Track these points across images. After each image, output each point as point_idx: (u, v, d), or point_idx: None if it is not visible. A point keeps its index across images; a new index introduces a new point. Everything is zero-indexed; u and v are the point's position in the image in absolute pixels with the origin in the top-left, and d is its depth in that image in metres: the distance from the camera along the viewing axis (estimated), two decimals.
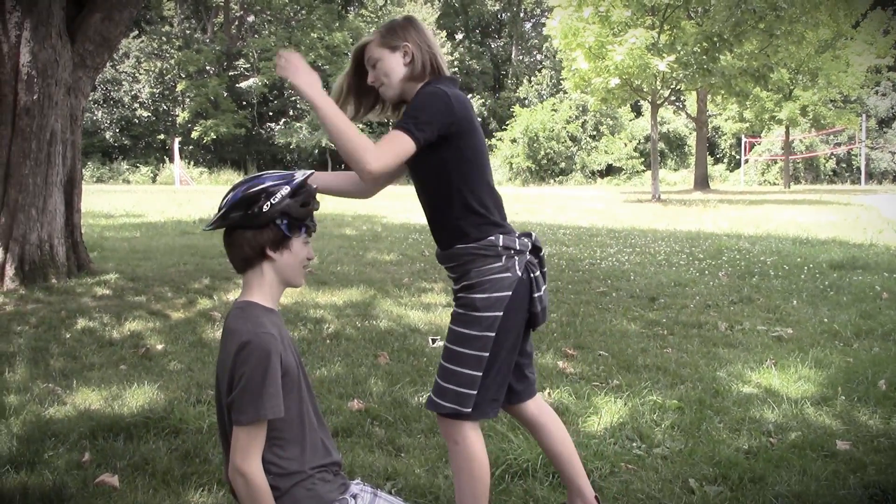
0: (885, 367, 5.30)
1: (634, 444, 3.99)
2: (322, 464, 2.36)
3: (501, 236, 2.73)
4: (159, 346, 5.80)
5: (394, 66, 2.76)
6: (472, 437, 2.73)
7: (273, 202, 2.25)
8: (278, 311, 2.40)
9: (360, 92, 2.91)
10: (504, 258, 2.70)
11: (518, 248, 2.74)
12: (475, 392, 2.67)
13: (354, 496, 2.38)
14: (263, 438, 2.21)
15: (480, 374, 2.67)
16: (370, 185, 2.89)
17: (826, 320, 6.90)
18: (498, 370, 2.71)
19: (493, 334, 2.66)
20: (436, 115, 2.59)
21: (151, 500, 3.28)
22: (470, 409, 2.67)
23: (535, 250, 2.83)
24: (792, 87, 36.26)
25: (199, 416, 4.21)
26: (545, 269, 2.86)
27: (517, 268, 2.71)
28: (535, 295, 2.76)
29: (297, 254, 2.34)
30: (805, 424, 4.28)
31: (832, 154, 48.75)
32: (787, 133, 40.48)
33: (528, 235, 2.84)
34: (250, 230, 2.27)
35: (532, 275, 2.76)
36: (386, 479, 3.53)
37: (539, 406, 3.02)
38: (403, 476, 3.55)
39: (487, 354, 2.67)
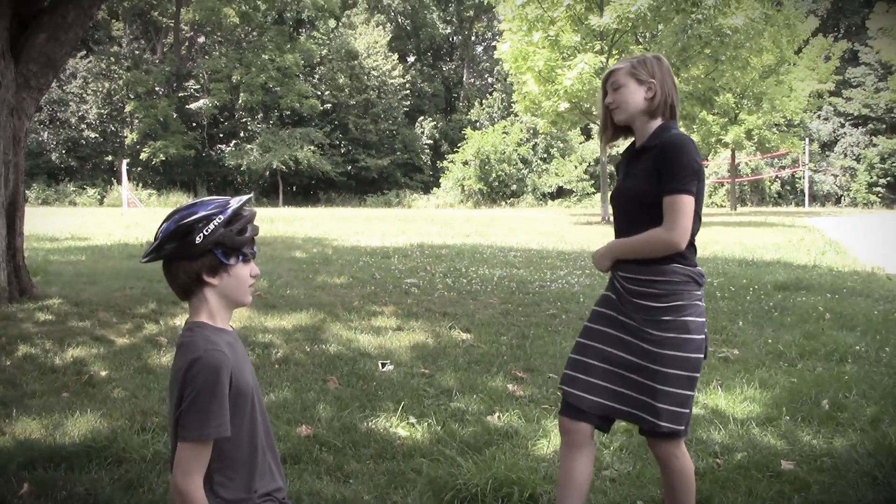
0: (828, 387, 5.40)
1: None
2: (268, 490, 2.33)
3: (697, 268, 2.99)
4: (103, 373, 5.69)
5: (635, 98, 2.98)
6: (686, 451, 3.02)
7: (206, 233, 2.22)
8: (232, 330, 2.37)
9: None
10: (701, 288, 2.97)
11: (701, 281, 2.99)
12: (687, 411, 2.91)
13: None
14: (207, 458, 2.17)
15: (692, 393, 2.91)
16: None
17: (771, 341, 7.01)
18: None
19: (701, 356, 2.91)
20: (694, 167, 2.83)
21: None
22: (683, 427, 2.91)
23: None
24: (737, 111, 36.99)
25: (143, 444, 4.12)
26: None
27: (702, 298, 2.98)
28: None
29: (238, 276, 2.31)
30: (751, 445, 4.33)
31: (777, 177, 49.78)
32: (733, 156, 41.23)
33: None
34: (186, 261, 2.25)
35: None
36: None
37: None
38: (352, 503, 3.52)
39: (698, 375, 2.92)
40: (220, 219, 2.24)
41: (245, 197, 2.36)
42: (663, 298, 2.89)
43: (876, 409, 4.90)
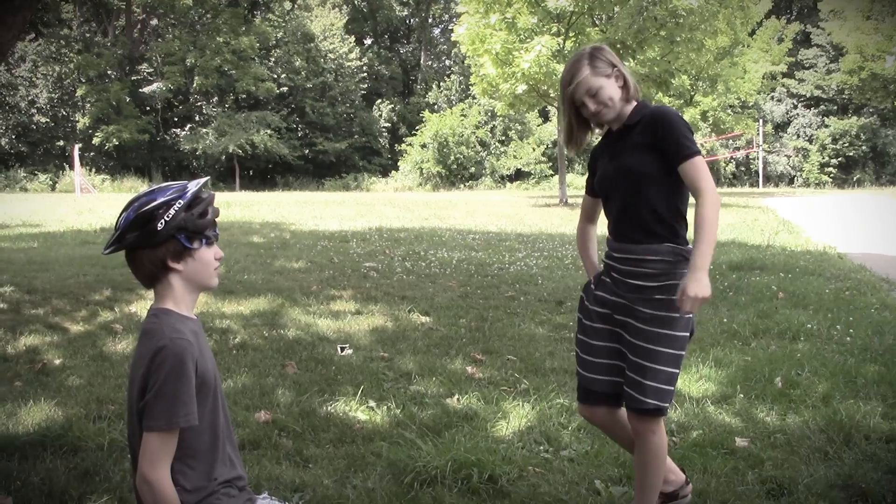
0: (781, 364, 5.50)
1: (542, 448, 4.04)
2: (228, 478, 2.32)
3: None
4: (57, 361, 5.61)
5: (614, 91, 2.99)
6: (663, 427, 3.08)
7: (168, 218, 2.19)
8: (196, 318, 2.35)
9: (581, 123, 3.14)
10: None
11: None
12: (672, 388, 2.97)
13: None
14: (174, 447, 2.15)
15: (678, 371, 2.97)
16: None
17: (726, 320, 7.11)
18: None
19: (689, 335, 2.98)
20: (690, 131, 2.91)
21: None
22: (667, 405, 2.98)
23: None
24: (693, 93, 37.34)
25: (99, 432, 4.08)
26: None
27: None
28: None
29: (202, 259, 2.29)
30: (706, 423, 4.40)
31: (731, 158, 50.35)
32: None
33: None
34: (149, 248, 2.22)
35: None
36: (294, 491, 3.50)
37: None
38: (312, 487, 3.52)
39: (684, 353, 2.99)
40: (180, 203, 2.22)
41: (202, 180, 2.34)
42: (656, 278, 2.94)
43: (827, 386, 5.00)
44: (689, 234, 2.96)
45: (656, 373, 2.91)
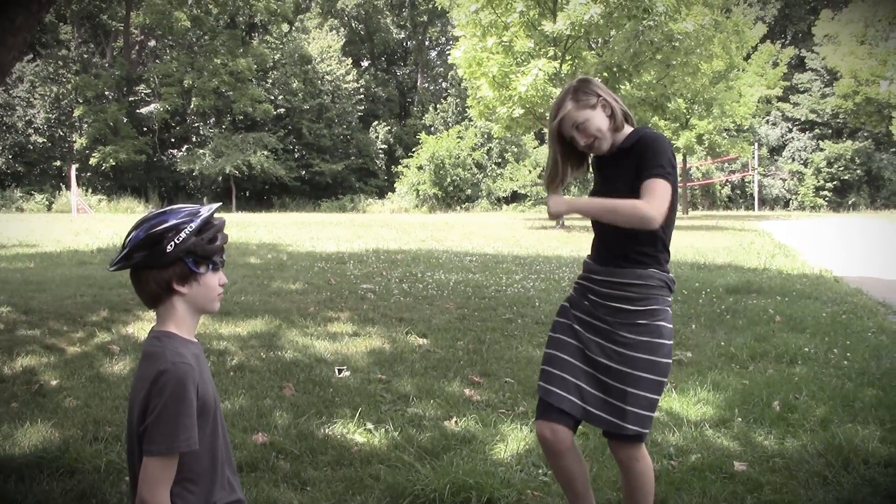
0: (779, 388, 5.50)
1: (540, 471, 4.03)
2: (227, 502, 2.31)
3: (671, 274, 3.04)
4: (54, 382, 5.59)
5: (601, 121, 2.99)
6: (646, 453, 3.08)
7: (177, 242, 2.19)
8: (197, 342, 2.35)
9: (569, 156, 3.15)
10: (670, 296, 3.03)
11: (673, 288, 3.06)
12: (653, 415, 2.98)
13: None
14: (174, 471, 2.14)
15: (659, 398, 2.97)
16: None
17: (723, 344, 7.12)
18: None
19: (671, 361, 2.99)
20: (671, 158, 2.90)
21: None
22: (648, 431, 2.99)
23: None
24: (688, 117, 37.51)
25: (96, 454, 4.07)
26: None
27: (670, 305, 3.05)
28: None
29: (207, 284, 2.29)
30: (704, 446, 4.40)
31: (727, 181, 50.57)
32: (685, 160, 41.80)
33: None
34: (156, 269, 2.22)
35: None
36: None
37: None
38: None
39: (666, 379, 2.98)
40: (191, 227, 2.22)
41: (215, 205, 2.34)
42: (638, 302, 2.94)
43: (825, 410, 5.00)
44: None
45: (638, 398, 2.90)
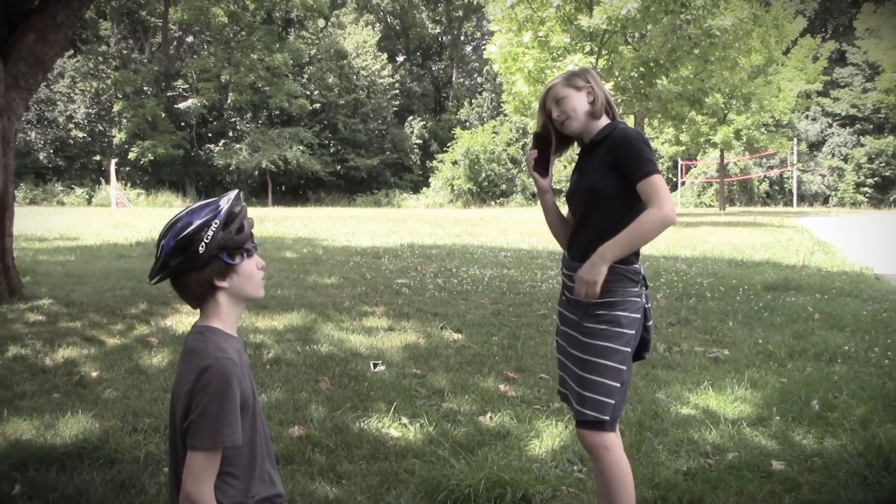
0: (818, 387, 5.43)
1: (575, 468, 4.02)
2: (267, 496, 2.32)
3: (641, 266, 3.10)
4: (94, 374, 5.68)
5: (580, 104, 3.12)
6: (618, 443, 3.10)
7: (207, 240, 2.20)
8: (238, 337, 2.36)
9: (554, 134, 3.26)
10: (639, 286, 3.06)
11: (646, 280, 3.12)
12: (613, 402, 2.98)
13: None
14: (217, 465, 2.16)
15: (618, 385, 3.00)
16: None
17: (761, 341, 7.04)
18: (626, 384, 3.06)
19: (630, 350, 3.03)
20: (649, 151, 2.98)
21: None
22: (608, 418, 2.98)
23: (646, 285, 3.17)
24: (726, 112, 37.06)
25: (135, 445, 4.12)
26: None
27: (643, 297, 3.09)
28: (648, 323, 3.13)
29: (246, 272, 2.30)
30: (742, 445, 4.35)
31: (765, 177, 49.94)
32: (722, 156, 41.33)
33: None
34: (194, 272, 2.24)
35: (647, 305, 3.11)
36: None
37: None
38: None
39: (625, 368, 3.02)
40: (216, 223, 2.23)
41: (232, 194, 2.34)
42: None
43: (865, 410, 4.93)
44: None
45: (596, 384, 2.97)
